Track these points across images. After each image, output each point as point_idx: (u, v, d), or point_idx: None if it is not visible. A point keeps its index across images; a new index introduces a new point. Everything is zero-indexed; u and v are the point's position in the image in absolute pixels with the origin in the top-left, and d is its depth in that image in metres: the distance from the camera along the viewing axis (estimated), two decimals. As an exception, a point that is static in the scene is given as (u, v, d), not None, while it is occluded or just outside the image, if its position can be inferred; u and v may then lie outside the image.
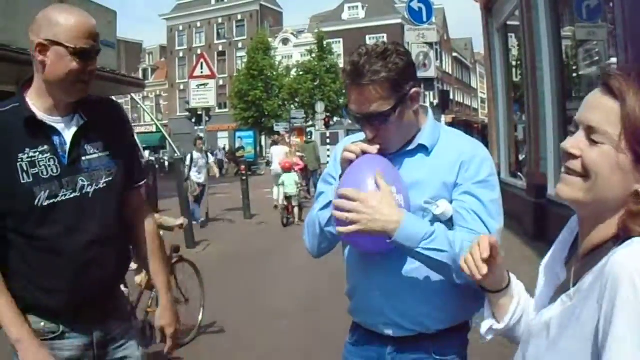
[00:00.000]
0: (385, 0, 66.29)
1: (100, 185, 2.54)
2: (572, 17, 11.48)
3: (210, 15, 71.60)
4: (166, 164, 44.84)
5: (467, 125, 76.27)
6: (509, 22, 15.96)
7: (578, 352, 1.37)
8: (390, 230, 2.09)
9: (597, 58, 10.57)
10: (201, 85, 18.49)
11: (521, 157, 16.37)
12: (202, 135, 18.39)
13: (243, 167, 18.73)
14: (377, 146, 2.27)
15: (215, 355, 6.60)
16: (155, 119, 53.31)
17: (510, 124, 17.03)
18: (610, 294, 1.27)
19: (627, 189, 1.38)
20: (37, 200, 2.39)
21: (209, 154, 18.88)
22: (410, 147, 2.37)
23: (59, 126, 2.49)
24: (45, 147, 2.43)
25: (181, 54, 73.35)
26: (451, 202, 2.30)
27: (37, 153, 2.41)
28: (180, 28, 73.63)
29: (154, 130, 59.58)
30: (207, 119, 19.56)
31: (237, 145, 45.53)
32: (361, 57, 2.19)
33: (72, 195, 2.47)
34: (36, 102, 2.48)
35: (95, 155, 2.55)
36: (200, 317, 7.12)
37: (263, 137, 58.15)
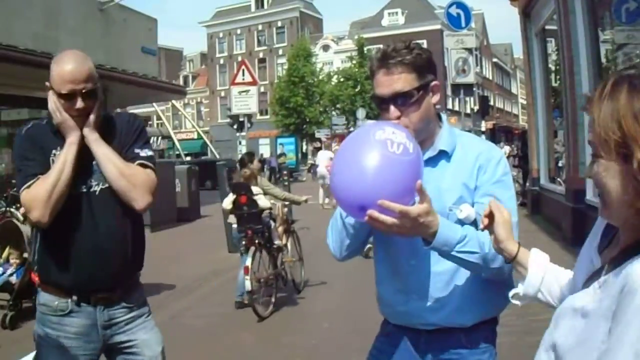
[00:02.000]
0: (424, 6, 66.17)
1: (106, 185, 2.96)
2: (611, 20, 11.43)
3: (250, 22, 71.86)
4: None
5: (507, 131, 75.72)
6: (547, 27, 15.86)
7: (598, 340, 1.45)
8: (428, 236, 2.19)
9: (637, 61, 10.54)
10: (243, 91, 18.66)
11: (560, 163, 16.33)
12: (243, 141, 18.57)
13: (285, 172, 18.93)
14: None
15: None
16: (196, 126, 53.95)
17: (549, 129, 16.94)
18: (626, 299, 1.36)
19: (635, 194, 1.42)
20: None
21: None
22: (433, 154, 2.49)
23: None
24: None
25: (222, 61, 73.76)
26: (472, 204, 2.41)
27: None
28: (221, 35, 74.03)
29: (195, 137, 60.09)
30: (249, 125, 19.70)
31: (279, 151, 45.73)
32: (389, 47, 2.39)
33: (84, 190, 2.94)
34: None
35: None
36: (303, 273, 9.51)
37: (304, 144, 58.23)
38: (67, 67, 2.86)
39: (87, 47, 18.13)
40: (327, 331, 7.36)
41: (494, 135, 66.71)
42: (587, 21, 11.32)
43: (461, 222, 2.34)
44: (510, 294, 2.17)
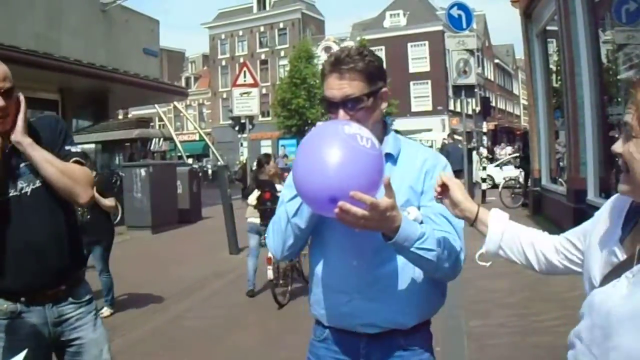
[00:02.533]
0: (426, 7, 66.14)
1: (37, 184, 3.00)
2: (611, 21, 11.46)
3: (252, 23, 71.74)
4: (209, 172, 45.21)
5: (509, 132, 75.72)
6: (548, 28, 15.92)
7: None
8: (390, 231, 2.22)
9: (637, 61, 10.57)
10: (244, 93, 18.72)
11: (561, 164, 16.36)
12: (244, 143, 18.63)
13: (286, 174, 18.91)
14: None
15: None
16: (198, 127, 53.98)
17: (550, 130, 16.97)
18: None
19: None
20: None
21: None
22: None
23: None
24: None
25: (223, 63, 73.75)
26: (418, 208, 2.48)
27: None
28: (223, 36, 73.98)
29: (197, 138, 60.09)
30: (251, 127, 19.73)
31: (280, 153, 45.76)
32: (342, 52, 2.46)
33: (14, 194, 2.97)
34: None
35: (26, 163, 2.99)
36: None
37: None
38: None
39: (89, 48, 18.29)
40: (328, 332, 7.39)
41: (495, 136, 66.73)
42: (588, 22, 11.36)
43: None
44: (477, 255, 2.27)
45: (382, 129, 2.60)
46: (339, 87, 2.42)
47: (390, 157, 2.53)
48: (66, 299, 3.11)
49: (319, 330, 2.78)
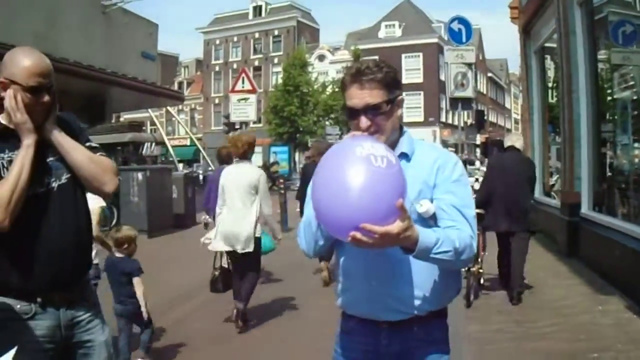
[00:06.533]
0: (422, 19, 66.36)
1: (63, 181, 3.03)
2: (609, 42, 11.65)
3: (247, 30, 71.79)
4: (200, 177, 45.09)
5: (500, 145, 75.88)
6: (546, 45, 16.10)
7: None
8: (408, 247, 2.42)
9: (632, 83, 10.75)
10: (242, 99, 18.82)
11: (555, 177, 16.53)
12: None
13: (281, 180, 19.01)
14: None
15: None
16: (190, 132, 53.89)
17: (544, 144, 17.16)
18: None
19: None
20: None
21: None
22: None
23: None
24: (17, 151, 2.92)
25: (217, 68, 73.76)
26: (431, 200, 2.67)
27: (14, 155, 2.91)
28: (217, 42, 73.93)
29: (188, 143, 59.97)
30: (246, 133, 19.81)
31: (272, 160, 45.79)
32: (362, 65, 2.69)
33: (40, 190, 2.96)
34: (6, 118, 3.00)
35: (56, 157, 3.03)
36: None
37: (297, 153, 58.19)
38: (34, 61, 2.90)
39: (88, 49, 18.16)
40: (327, 337, 7.48)
41: (486, 149, 66.80)
42: (587, 41, 11.55)
43: (422, 217, 2.61)
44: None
45: (398, 132, 2.81)
46: (360, 96, 2.64)
47: (405, 156, 2.74)
48: (79, 301, 3.13)
49: (344, 323, 2.96)
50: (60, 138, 3.01)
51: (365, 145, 2.33)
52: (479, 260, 9.01)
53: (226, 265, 8.34)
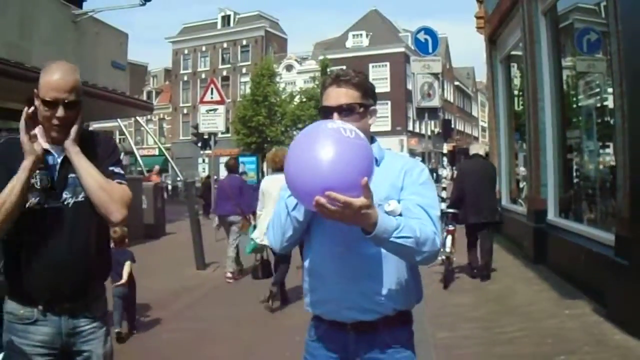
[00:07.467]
0: (389, 29, 66.78)
1: (79, 198, 3.09)
2: (573, 50, 11.83)
3: (215, 39, 71.54)
4: (169, 187, 44.91)
5: (466, 153, 76.38)
6: (512, 53, 16.33)
7: None
8: (369, 226, 2.47)
9: (596, 90, 10.92)
10: (211, 110, 18.75)
11: (521, 185, 16.73)
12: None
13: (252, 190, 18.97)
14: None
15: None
16: (158, 142, 53.64)
17: (511, 152, 17.39)
18: None
19: None
20: (27, 204, 2.99)
21: None
22: None
23: (53, 150, 3.11)
24: (41, 165, 3.02)
25: (185, 78, 73.37)
26: (399, 202, 2.76)
27: (43, 174, 3.04)
28: (186, 52, 73.60)
29: (157, 153, 59.60)
30: (214, 143, 19.78)
31: (240, 170, 45.69)
32: (341, 71, 2.88)
33: (55, 205, 3.05)
34: (38, 132, 3.08)
35: (75, 175, 3.09)
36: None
37: (265, 163, 57.88)
38: (54, 76, 2.99)
39: (59, 58, 17.90)
40: (299, 344, 7.53)
41: (453, 157, 67.20)
42: (551, 50, 11.77)
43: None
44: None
45: (369, 140, 2.84)
46: (336, 95, 2.81)
47: (375, 161, 2.76)
48: (83, 313, 3.18)
49: (313, 330, 3.04)
50: (76, 159, 3.05)
51: (336, 122, 2.55)
52: (453, 251, 10.91)
53: (266, 258, 10.12)
